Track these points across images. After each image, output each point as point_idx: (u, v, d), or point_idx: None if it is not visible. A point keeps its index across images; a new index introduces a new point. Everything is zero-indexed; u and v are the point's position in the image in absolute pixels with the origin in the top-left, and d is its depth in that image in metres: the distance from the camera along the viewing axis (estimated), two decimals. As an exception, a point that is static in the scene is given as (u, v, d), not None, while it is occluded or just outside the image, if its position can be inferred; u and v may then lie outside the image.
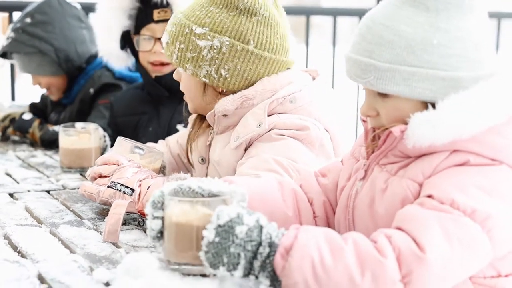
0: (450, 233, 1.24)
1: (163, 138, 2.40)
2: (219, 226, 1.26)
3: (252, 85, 1.87)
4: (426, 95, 1.36)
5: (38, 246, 1.58)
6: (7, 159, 2.57)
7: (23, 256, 1.53)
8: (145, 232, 1.71)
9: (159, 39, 2.40)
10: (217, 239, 1.26)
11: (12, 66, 3.51)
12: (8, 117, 2.87)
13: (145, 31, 2.45)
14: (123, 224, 1.72)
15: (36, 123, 2.81)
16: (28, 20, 2.87)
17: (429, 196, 1.31)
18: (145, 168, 1.84)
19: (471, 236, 1.26)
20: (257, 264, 1.25)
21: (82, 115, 2.91)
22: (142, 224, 1.75)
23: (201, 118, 2.00)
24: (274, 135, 1.80)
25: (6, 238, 1.64)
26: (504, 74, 1.38)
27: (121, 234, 1.66)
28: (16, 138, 2.90)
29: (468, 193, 1.29)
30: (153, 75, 2.50)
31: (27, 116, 2.84)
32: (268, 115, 1.84)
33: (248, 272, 1.26)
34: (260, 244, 1.25)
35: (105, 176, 1.82)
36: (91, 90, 2.89)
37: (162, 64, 2.47)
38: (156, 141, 2.30)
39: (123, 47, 2.54)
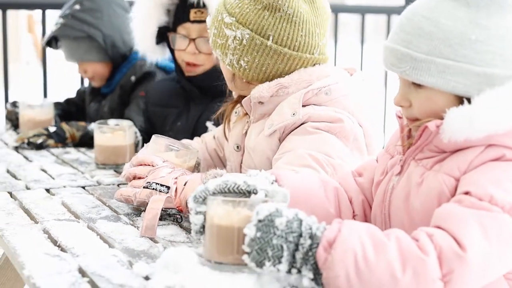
0: (489, 232, 1.25)
1: (190, 135, 2.43)
2: (259, 221, 1.28)
3: (272, 79, 1.90)
4: (460, 89, 1.37)
5: (77, 241, 1.61)
6: (41, 155, 2.60)
7: (63, 250, 1.56)
8: (182, 227, 1.73)
9: (194, 40, 2.43)
10: (258, 234, 1.27)
11: (44, 63, 3.55)
12: (41, 135, 2.76)
13: (181, 29, 2.46)
14: (160, 219, 1.74)
15: (65, 126, 2.79)
16: (77, 7, 2.94)
17: (467, 193, 1.31)
18: (179, 167, 1.86)
19: (510, 233, 1.26)
20: (299, 256, 1.26)
21: (122, 103, 2.95)
22: (180, 221, 1.77)
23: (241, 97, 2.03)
24: (309, 128, 1.82)
25: (46, 233, 1.67)
26: None
27: (158, 229, 1.68)
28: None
29: (506, 188, 1.30)
30: (186, 74, 2.52)
31: (52, 128, 2.80)
32: (303, 106, 1.85)
33: (291, 266, 1.27)
34: (300, 235, 1.27)
35: (140, 178, 1.84)
36: (133, 78, 2.92)
37: (195, 65, 2.48)
38: (182, 137, 2.33)
39: (159, 42, 2.56)
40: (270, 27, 1.86)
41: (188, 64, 2.49)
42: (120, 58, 2.97)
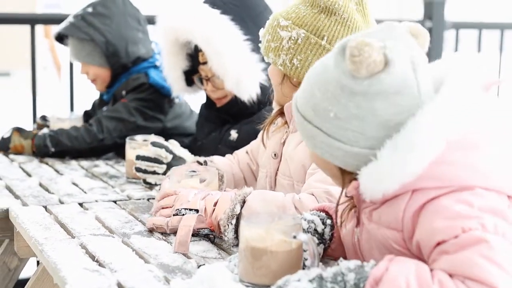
0: (496, 261, 1.26)
1: (218, 144, 2.54)
2: (310, 280, 1.32)
3: None
4: (327, 157, 1.43)
5: (113, 256, 1.68)
6: (71, 168, 2.69)
7: (101, 265, 1.63)
8: (213, 243, 1.80)
9: (209, 79, 2.54)
10: (314, 285, 1.32)
11: (71, 77, 3.64)
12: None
13: (200, 71, 2.57)
14: (192, 235, 1.81)
15: (14, 136, 2.88)
16: (89, 9, 3.02)
17: (440, 243, 1.32)
18: (203, 189, 1.94)
19: (509, 251, 1.28)
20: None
21: None
22: (213, 240, 1.83)
23: (281, 111, 2.09)
24: None
25: (83, 248, 1.75)
26: (429, 106, 1.36)
27: (190, 245, 1.76)
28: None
29: (461, 215, 1.31)
30: (218, 106, 2.64)
31: (7, 133, 2.91)
32: None
33: None
34: (344, 274, 1.32)
35: (168, 207, 1.91)
36: (123, 92, 3.00)
37: (219, 98, 2.59)
38: (212, 146, 2.42)
39: (190, 83, 2.68)
40: (325, 28, 1.93)
41: (215, 98, 2.61)
42: (120, 68, 3.02)
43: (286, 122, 2.07)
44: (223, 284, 1.43)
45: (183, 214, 1.83)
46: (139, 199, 2.25)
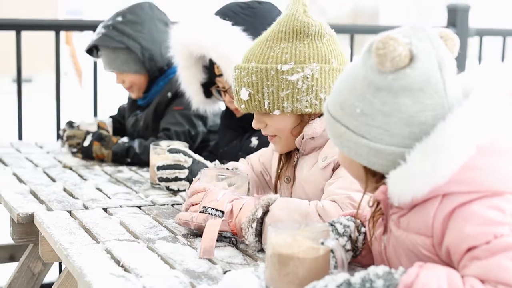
0: None
1: (239, 151, 2.53)
2: (337, 286, 1.32)
3: None
4: (353, 155, 1.43)
5: (139, 261, 1.68)
6: (95, 174, 2.69)
7: (126, 270, 1.63)
8: (238, 249, 1.80)
9: (226, 90, 2.54)
10: None
11: (95, 83, 3.65)
12: (75, 139, 2.98)
13: (217, 82, 2.58)
14: (217, 241, 1.81)
15: (95, 146, 2.92)
16: (119, 18, 3.03)
17: (471, 249, 1.31)
18: (233, 190, 1.93)
19: None
20: None
21: (157, 118, 3.04)
22: (235, 243, 1.83)
23: (286, 155, 2.08)
24: None
25: (108, 253, 1.75)
26: (460, 110, 1.36)
27: (215, 251, 1.75)
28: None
29: (493, 221, 1.30)
30: (237, 116, 2.65)
31: (87, 141, 2.93)
32: None
33: None
34: (372, 281, 1.31)
35: (197, 204, 1.91)
36: (169, 94, 3.01)
37: (238, 109, 2.58)
38: (234, 152, 2.42)
39: (209, 95, 2.68)
40: (328, 52, 1.93)
41: (233, 109, 2.62)
42: (157, 72, 3.05)
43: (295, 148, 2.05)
44: (249, 290, 1.43)
45: (209, 213, 1.83)
46: (164, 204, 2.25)
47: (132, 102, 3.22)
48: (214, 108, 2.80)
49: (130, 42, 2.98)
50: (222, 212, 1.82)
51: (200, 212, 1.85)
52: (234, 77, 1.98)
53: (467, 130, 1.34)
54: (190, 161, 2.36)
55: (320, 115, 1.95)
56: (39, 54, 11.81)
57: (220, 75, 2.51)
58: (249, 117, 2.08)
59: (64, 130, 3.08)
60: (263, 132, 2.03)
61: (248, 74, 1.93)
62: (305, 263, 1.41)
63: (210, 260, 1.71)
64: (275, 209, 1.78)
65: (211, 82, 2.62)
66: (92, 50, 3.15)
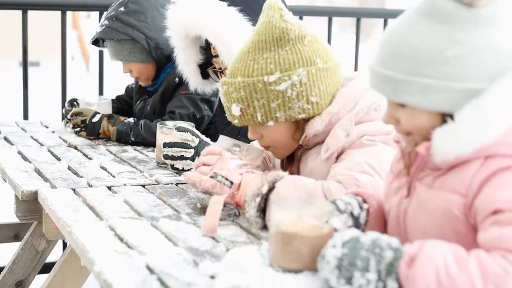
0: None
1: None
2: (343, 243, 1.32)
3: (333, 97, 1.94)
4: (443, 107, 1.37)
5: (142, 239, 1.67)
6: (100, 153, 2.68)
7: (129, 247, 1.62)
8: (242, 228, 1.79)
9: (223, 71, 2.51)
10: (345, 251, 1.31)
11: (101, 61, 3.64)
12: (80, 116, 2.97)
13: (214, 63, 2.55)
14: (220, 219, 1.80)
15: (104, 121, 2.92)
16: (122, 9, 3.00)
17: (496, 211, 1.30)
18: (247, 163, 1.93)
19: None
20: (383, 267, 1.29)
21: (163, 103, 3.02)
22: (237, 215, 1.84)
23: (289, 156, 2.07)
24: (365, 141, 1.86)
25: (112, 230, 1.74)
26: None
27: (218, 230, 1.74)
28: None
29: None
30: None
31: (96, 118, 2.93)
32: (356, 125, 1.90)
33: (378, 276, 1.30)
34: (382, 248, 1.30)
35: (208, 165, 1.91)
36: (176, 79, 2.99)
37: None
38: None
39: (206, 76, 2.66)
40: (311, 53, 1.91)
41: None
42: (164, 59, 3.02)
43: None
44: (252, 268, 1.41)
45: (219, 181, 1.83)
46: (168, 183, 2.24)
47: (140, 87, 3.20)
48: (213, 89, 2.78)
49: (135, 33, 2.95)
50: (231, 183, 1.82)
51: (210, 177, 1.85)
52: (222, 93, 1.97)
53: None
54: (196, 141, 2.35)
55: (333, 97, 1.94)
56: (47, 39, 11.79)
57: (217, 55, 2.49)
58: None
59: (67, 110, 3.07)
60: (259, 143, 2.02)
61: (236, 90, 1.91)
62: (308, 241, 1.39)
63: (213, 238, 1.70)
64: (281, 186, 1.76)
65: (208, 63, 2.60)
66: (98, 40, 3.12)
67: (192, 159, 2.34)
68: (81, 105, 3.03)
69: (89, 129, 2.94)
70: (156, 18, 2.99)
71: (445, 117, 1.39)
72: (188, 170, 2.35)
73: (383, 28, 4.43)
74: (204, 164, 1.93)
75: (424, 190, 1.45)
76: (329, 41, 3.99)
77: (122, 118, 2.95)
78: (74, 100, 3.12)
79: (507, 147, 1.34)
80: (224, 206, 1.84)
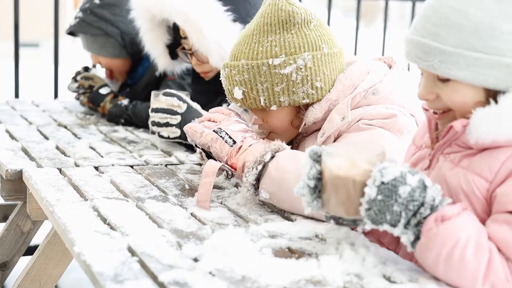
0: None
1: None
2: (382, 183, 1.29)
3: (334, 83, 1.89)
4: (490, 82, 1.33)
5: (126, 220, 1.61)
6: (90, 133, 2.63)
7: (112, 228, 1.56)
8: (230, 210, 1.73)
9: (193, 53, 2.46)
10: (379, 197, 1.29)
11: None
12: (90, 81, 2.94)
13: (183, 44, 2.49)
14: (212, 201, 1.76)
15: (109, 97, 2.88)
16: (96, 1, 2.93)
17: None
18: (252, 130, 1.88)
19: None
20: (414, 221, 1.30)
21: (149, 96, 2.95)
22: (230, 177, 1.82)
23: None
24: (362, 125, 1.82)
25: (95, 210, 1.68)
26: None
27: (206, 212, 1.69)
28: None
29: None
30: (206, 79, 2.56)
31: (105, 90, 2.90)
32: (354, 109, 1.85)
33: (405, 227, 1.31)
34: (422, 204, 1.29)
35: (214, 121, 1.87)
36: (157, 73, 2.93)
37: (205, 72, 2.51)
38: None
39: (175, 57, 2.61)
40: (317, 38, 1.86)
41: (200, 72, 2.53)
42: (140, 53, 2.96)
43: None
44: (237, 249, 1.36)
45: (221, 136, 1.79)
46: (157, 164, 2.19)
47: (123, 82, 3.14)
48: (182, 68, 2.71)
49: (108, 28, 2.89)
50: (234, 142, 1.78)
51: (213, 130, 1.81)
52: (224, 76, 1.91)
53: None
54: (184, 107, 2.31)
55: (333, 84, 1.89)
56: (47, 20, 11.73)
57: (186, 37, 2.43)
58: (218, 79, 2.01)
59: (79, 72, 3.02)
60: (260, 129, 1.96)
61: (239, 72, 1.86)
62: (361, 186, 1.34)
63: (199, 220, 1.65)
64: (281, 156, 1.72)
65: (176, 43, 2.53)
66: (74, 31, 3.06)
67: (179, 126, 2.29)
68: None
69: (93, 96, 2.90)
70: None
71: (488, 94, 1.35)
72: (174, 138, 2.33)
73: (412, 13, 4.34)
74: (209, 120, 1.88)
75: (448, 167, 1.41)
76: (329, 23, 3.93)
77: (121, 97, 2.91)
78: (88, 67, 3.07)
79: None
80: (221, 170, 1.80)
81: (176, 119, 2.28)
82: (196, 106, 2.33)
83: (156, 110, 2.30)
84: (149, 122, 2.35)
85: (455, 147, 1.41)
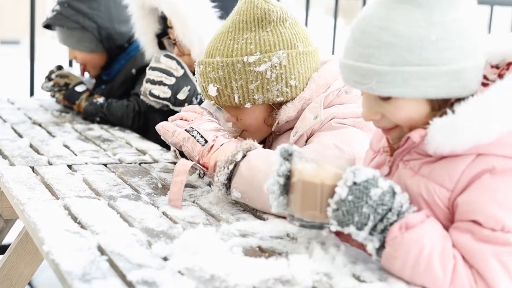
0: (511, 271, 1.25)
1: None
2: (354, 184, 1.29)
3: (307, 82, 1.89)
4: (430, 93, 1.32)
5: (97, 218, 1.60)
6: (64, 131, 2.61)
7: (83, 227, 1.55)
8: (202, 209, 1.73)
9: (175, 43, 2.50)
10: (350, 198, 1.29)
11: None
12: (66, 79, 2.93)
13: (169, 33, 2.52)
14: (184, 200, 1.75)
15: (85, 95, 2.87)
16: None
17: (476, 222, 1.28)
18: (224, 128, 1.88)
19: None
20: (380, 227, 1.30)
21: (124, 93, 2.96)
22: (202, 176, 1.82)
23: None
24: (335, 124, 1.82)
25: (66, 209, 1.67)
26: None
27: (177, 211, 1.69)
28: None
29: None
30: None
31: (80, 88, 2.89)
32: (327, 108, 1.85)
33: (370, 233, 1.31)
34: (390, 210, 1.30)
35: (186, 120, 1.87)
36: (133, 71, 2.92)
37: (188, 65, 2.52)
38: None
39: (163, 47, 2.63)
40: (292, 36, 1.86)
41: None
42: (117, 49, 2.96)
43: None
44: (207, 248, 1.36)
45: (193, 136, 1.79)
46: (131, 163, 2.17)
47: (97, 78, 3.12)
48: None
49: (85, 22, 2.87)
50: (206, 141, 1.78)
51: (185, 130, 1.81)
52: (199, 72, 1.90)
53: None
54: (181, 72, 2.37)
55: (307, 83, 1.88)
56: (28, 18, 11.64)
57: (171, 27, 2.45)
58: None
59: (53, 71, 3.00)
60: (234, 127, 1.95)
61: (214, 70, 1.85)
62: (329, 190, 1.34)
63: (171, 219, 1.64)
64: (253, 156, 1.71)
65: (165, 33, 2.55)
66: (50, 24, 3.03)
67: (171, 88, 2.32)
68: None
69: (69, 94, 2.89)
70: (110, 7, 2.91)
71: (432, 103, 1.35)
72: (164, 99, 2.38)
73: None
74: (182, 119, 1.88)
75: (409, 174, 1.40)
76: (307, 22, 3.93)
77: (96, 95, 2.89)
78: (61, 66, 3.06)
79: (502, 148, 1.30)
80: (194, 169, 1.81)
81: (171, 81, 2.33)
82: (192, 77, 2.38)
83: (154, 69, 2.37)
84: (144, 80, 2.41)
85: (414, 154, 1.40)
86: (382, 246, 1.31)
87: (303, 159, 1.38)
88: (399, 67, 1.31)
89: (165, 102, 2.40)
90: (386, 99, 1.36)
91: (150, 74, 2.39)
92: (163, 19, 2.53)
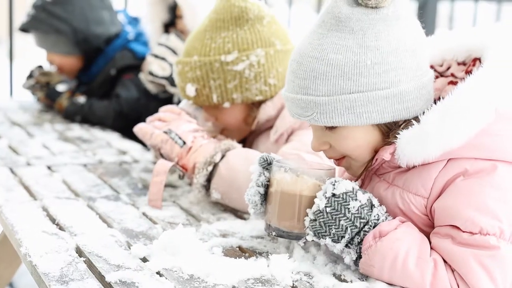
0: (492, 274, 1.24)
1: None
2: (333, 195, 1.29)
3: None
4: (375, 118, 1.31)
5: (76, 219, 1.59)
6: (44, 131, 2.59)
7: (61, 228, 1.54)
8: (182, 209, 1.71)
9: (182, 33, 2.52)
10: (328, 209, 1.29)
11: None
12: (47, 77, 2.92)
13: (177, 23, 2.52)
14: (163, 200, 1.74)
15: (66, 94, 2.86)
16: None
17: (454, 227, 1.28)
18: (202, 129, 1.86)
19: (510, 267, 1.25)
20: (357, 239, 1.30)
21: (105, 94, 2.94)
22: (182, 178, 1.80)
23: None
24: None
25: (44, 210, 1.65)
26: (481, 73, 1.29)
27: (157, 211, 1.67)
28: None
29: (489, 210, 1.26)
30: None
31: (62, 87, 2.88)
32: None
33: (347, 245, 1.30)
34: (367, 223, 1.29)
35: (164, 121, 1.84)
36: (113, 71, 2.89)
37: None
38: None
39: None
40: (270, 34, 1.85)
41: None
42: (93, 52, 2.93)
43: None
44: (186, 248, 1.34)
45: (172, 138, 1.76)
46: (111, 163, 2.15)
47: (79, 80, 3.10)
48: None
49: (60, 26, 2.85)
50: (184, 143, 1.76)
51: (164, 132, 1.78)
52: (177, 72, 1.89)
53: (488, 94, 1.27)
54: None
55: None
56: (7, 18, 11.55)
57: (181, 16, 2.45)
58: None
59: (33, 70, 2.99)
60: (213, 126, 1.94)
61: (191, 69, 1.84)
62: (307, 200, 1.33)
63: (151, 219, 1.63)
64: (232, 156, 1.71)
65: (172, 23, 2.55)
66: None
67: (172, 67, 2.36)
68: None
69: (50, 92, 2.88)
70: (85, 9, 2.88)
71: (380, 129, 1.33)
72: (162, 77, 2.42)
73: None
74: (159, 120, 1.85)
75: (383, 186, 1.39)
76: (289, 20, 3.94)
77: (77, 94, 2.88)
78: (41, 66, 3.05)
79: (473, 150, 1.29)
80: (173, 170, 1.80)
81: (173, 59, 2.33)
82: None
83: (161, 44, 2.39)
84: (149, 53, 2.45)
85: (387, 168, 1.39)
86: (359, 257, 1.31)
87: (282, 168, 1.37)
88: (338, 96, 1.29)
89: (162, 82, 2.39)
90: (332, 128, 1.35)
91: (156, 49, 2.40)
92: (172, 9, 2.53)
